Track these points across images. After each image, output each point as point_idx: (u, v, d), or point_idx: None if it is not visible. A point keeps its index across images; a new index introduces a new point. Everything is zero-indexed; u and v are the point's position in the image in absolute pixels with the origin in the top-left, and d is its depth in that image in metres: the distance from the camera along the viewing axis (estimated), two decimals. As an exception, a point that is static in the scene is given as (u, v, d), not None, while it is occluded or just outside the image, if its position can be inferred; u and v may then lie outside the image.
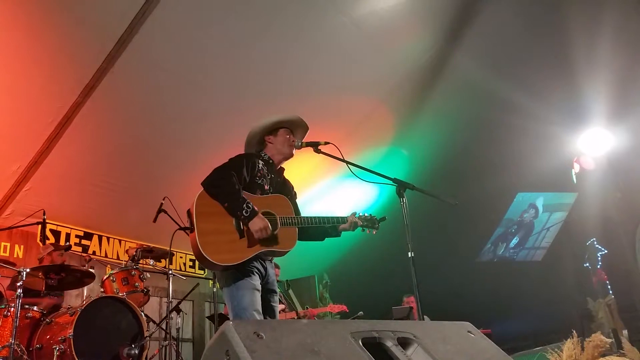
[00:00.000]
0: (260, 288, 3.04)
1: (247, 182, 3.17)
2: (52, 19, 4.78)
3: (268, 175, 3.34)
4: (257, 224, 2.98)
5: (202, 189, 3.04)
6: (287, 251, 3.16)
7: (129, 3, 4.91)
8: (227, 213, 3.02)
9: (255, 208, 3.02)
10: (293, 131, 3.47)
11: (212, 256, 2.89)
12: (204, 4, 5.25)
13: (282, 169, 3.51)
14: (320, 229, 3.36)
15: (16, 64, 5.01)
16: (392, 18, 6.33)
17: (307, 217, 3.23)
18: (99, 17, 4.91)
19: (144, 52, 5.32)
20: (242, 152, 3.46)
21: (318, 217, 3.27)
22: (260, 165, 3.30)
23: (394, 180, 3.16)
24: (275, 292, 3.28)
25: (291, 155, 3.45)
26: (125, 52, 5.21)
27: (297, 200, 3.51)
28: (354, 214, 3.40)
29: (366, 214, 3.41)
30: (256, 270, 3.06)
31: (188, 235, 3.06)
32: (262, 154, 3.41)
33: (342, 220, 3.37)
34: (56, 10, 4.73)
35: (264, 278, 3.15)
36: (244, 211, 2.98)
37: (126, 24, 5.01)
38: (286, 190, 3.46)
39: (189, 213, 3.00)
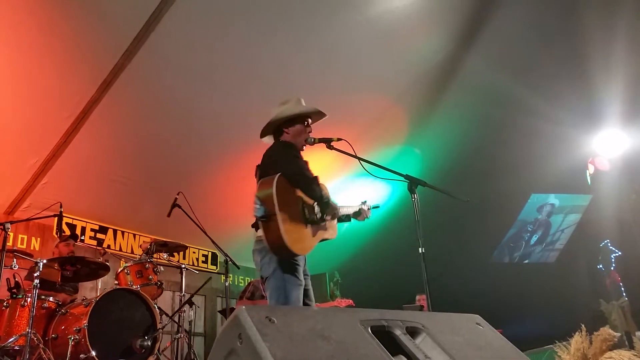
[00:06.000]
0: (303, 282, 3.06)
1: None
2: (70, 14, 4.84)
3: None
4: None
5: (275, 176, 2.93)
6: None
7: (146, 0, 4.98)
8: (295, 201, 2.99)
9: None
10: (310, 120, 3.44)
11: (294, 245, 2.80)
12: (218, 4, 5.29)
13: None
14: (344, 218, 3.51)
15: (33, 58, 5.07)
16: (406, 17, 6.33)
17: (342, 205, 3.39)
18: (117, 14, 4.97)
19: (160, 49, 5.38)
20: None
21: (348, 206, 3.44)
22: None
23: (406, 177, 3.17)
24: (308, 276, 3.26)
25: (302, 148, 3.44)
26: (142, 49, 5.26)
27: None
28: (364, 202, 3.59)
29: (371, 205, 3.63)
30: (300, 264, 3.06)
31: (258, 225, 2.92)
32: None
33: (359, 212, 3.53)
34: (74, 5, 4.80)
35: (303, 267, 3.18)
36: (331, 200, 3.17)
37: (143, 21, 5.06)
38: None
39: (263, 200, 2.85)
